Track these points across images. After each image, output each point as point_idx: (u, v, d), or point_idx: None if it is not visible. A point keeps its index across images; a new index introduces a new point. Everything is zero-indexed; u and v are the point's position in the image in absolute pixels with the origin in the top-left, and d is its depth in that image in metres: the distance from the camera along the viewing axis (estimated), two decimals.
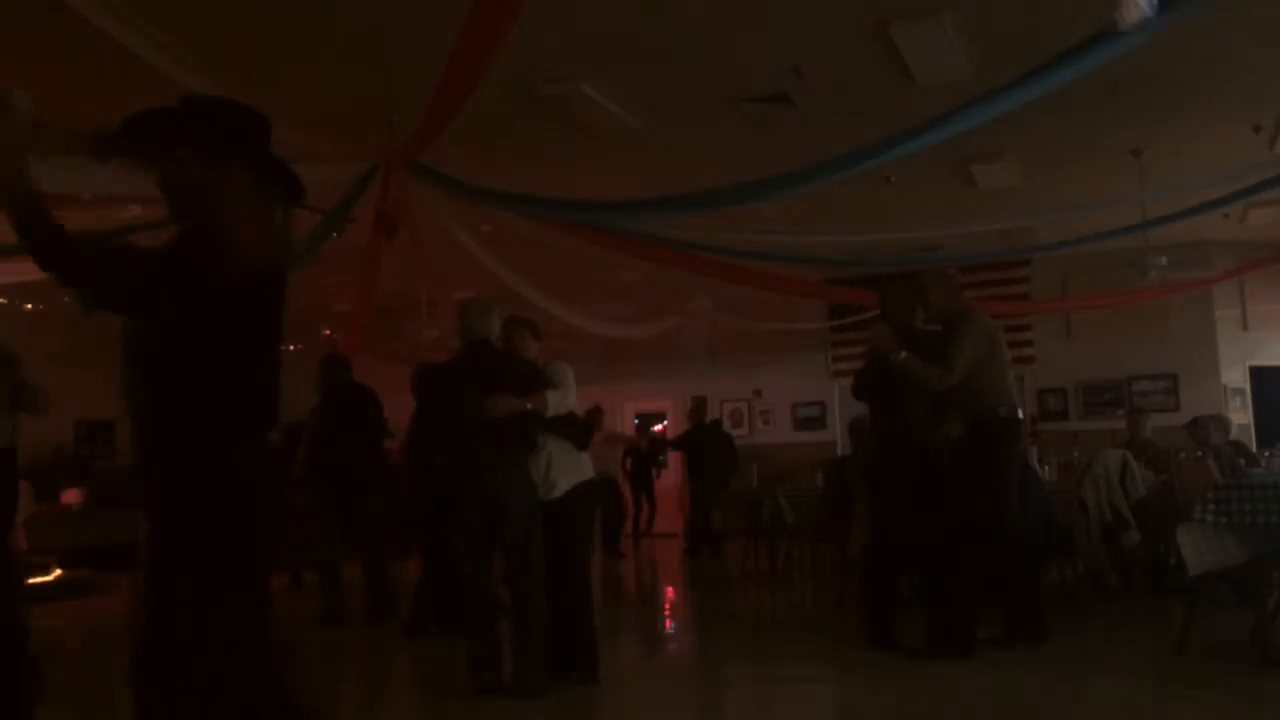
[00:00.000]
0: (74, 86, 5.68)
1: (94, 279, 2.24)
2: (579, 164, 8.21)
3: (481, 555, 4.71)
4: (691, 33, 6.05)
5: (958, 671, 4.77)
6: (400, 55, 6.02)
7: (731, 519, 10.31)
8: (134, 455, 2.34)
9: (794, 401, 14.17)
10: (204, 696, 2.26)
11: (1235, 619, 5.36)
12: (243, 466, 2.36)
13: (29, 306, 10.01)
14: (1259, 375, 12.35)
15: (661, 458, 12.98)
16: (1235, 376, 12.30)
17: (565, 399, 4.85)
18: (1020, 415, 5.46)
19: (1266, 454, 8.88)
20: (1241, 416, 11.81)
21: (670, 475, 13.35)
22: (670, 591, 9.37)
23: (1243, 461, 7.60)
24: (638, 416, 15.19)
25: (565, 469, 4.81)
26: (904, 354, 5.09)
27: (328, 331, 11.46)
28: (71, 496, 11.39)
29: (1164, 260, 9.13)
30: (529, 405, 4.65)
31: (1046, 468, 7.32)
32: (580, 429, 4.96)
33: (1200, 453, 7.04)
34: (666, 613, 8.03)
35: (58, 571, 9.17)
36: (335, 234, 7.42)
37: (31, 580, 8.11)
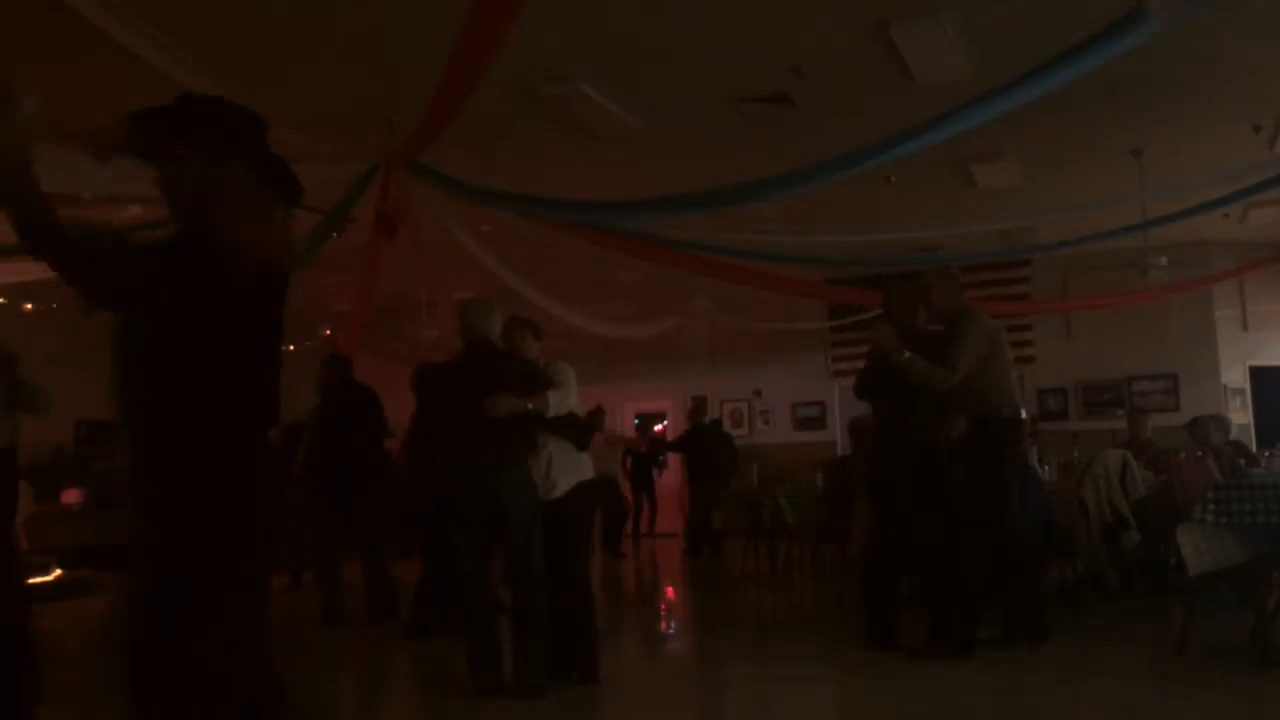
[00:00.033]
0: (74, 86, 5.68)
1: (95, 277, 2.24)
2: (579, 164, 8.21)
3: (482, 555, 4.71)
4: (691, 33, 6.05)
5: (958, 671, 4.77)
6: (400, 55, 6.02)
7: (731, 519, 10.32)
8: (130, 454, 2.33)
9: (794, 401, 14.17)
10: (204, 698, 2.25)
11: (1235, 619, 5.36)
12: (243, 465, 2.36)
13: (29, 306, 10.01)
14: (1259, 375, 12.35)
15: (661, 458, 12.97)
16: (1235, 376, 12.30)
17: (566, 399, 4.85)
18: (1023, 415, 5.46)
19: (1266, 454, 8.88)
20: (1241, 416, 11.81)
21: (670, 475, 13.36)
22: (670, 591, 9.37)
23: (1243, 461, 7.60)
24: (638, 416, 15.19)
25: (565, 469, 4.81)
26: (907, 354, 5.09)
27: (328, 331, 11.47)
28: (71, 496, 11.38)
29: (1164, 260, 9.14)
30: (530, 405, 4.65)
31: (1046, 468, 7.32)
32: (581, 429, 4.96)
33: (1200, 453, 7.04)
34: (666, 613, 8.03)
35: (58, 571, 9.17)
36: (335, 234, 7.42)
37: (31, 580, 8.11)
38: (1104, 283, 11.25)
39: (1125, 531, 6.43)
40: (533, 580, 4.60)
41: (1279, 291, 12.18)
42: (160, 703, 2.23)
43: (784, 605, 7.99)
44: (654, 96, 7.00)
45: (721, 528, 11.06)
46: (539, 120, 7.30)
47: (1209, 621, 5.30)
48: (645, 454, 12.99)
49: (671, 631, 7.10)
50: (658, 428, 14.85)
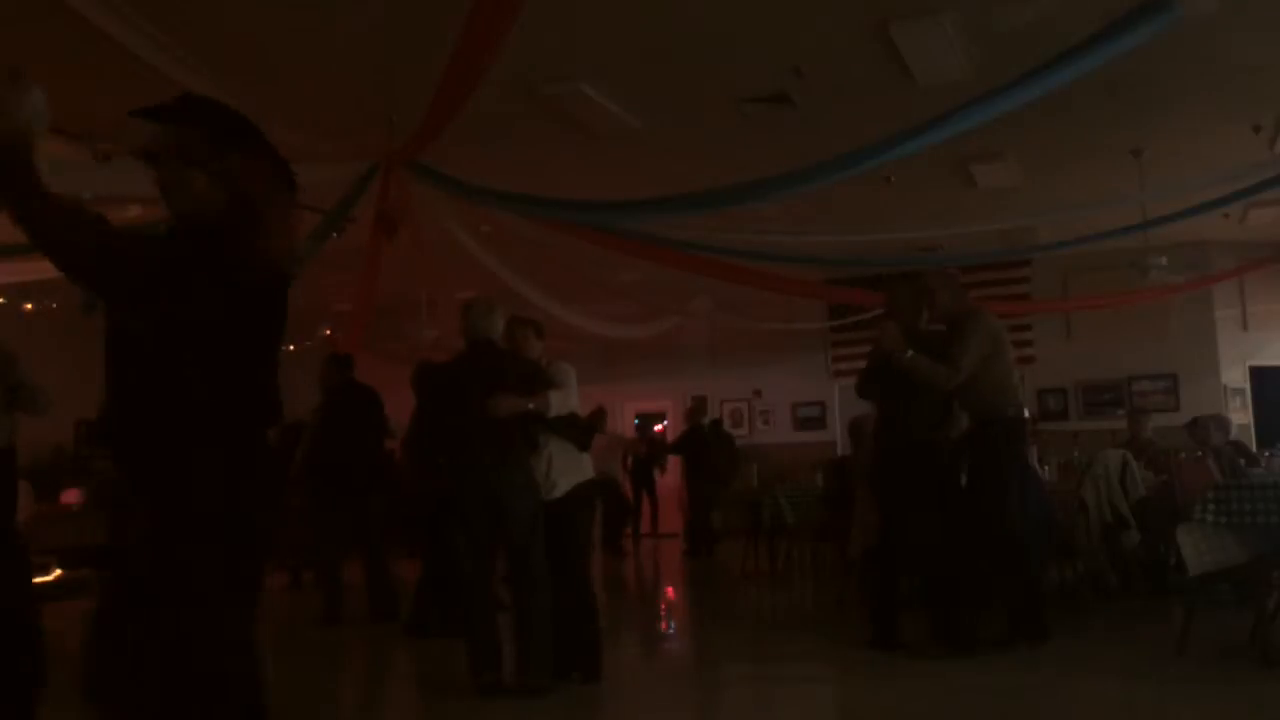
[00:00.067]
0: (74, 87, 5.68)
1: (96, 267, 2.24)
2: (579, 164, 8.21)
3: (483, 555, 4.71)
4: (691, 33, 6.05)
5: (958, 671, 4.77)
6: (400, 55, 6.02)
7: (731, 519, 10.32)
8: (125, 455, 2.32)
9: (794, 401, 14.17)
10: (202, 699, 2.25)
11: (1235, 619, 5.36)
12: (242, 466, 2.36)
13: (29, 306, 10.02)
14: (1259, 375, 12.35)
15: (661, 460, 12.97)
16: (1235, 376, 12.30)
17: (567, 399, 4.85)
18: (1026, 415, 5.47)
19: (1266, 454, 8.88)
20: (1241, 416, 11.81)
21: (671, 475, 13.37)
22: (670, 591, 9.37)
23: (1243, 461, 7.60)
24: (638, 416, 15.19)
25: (566, 469, 4.82)
26: (910, 352, 5.09)
27: (328, 331, 11.47)
28: (71, 496, 11.37)
29: (1164, 260, 9.14)
30: (531, 405, 4.65)
31: (1046, 468, 7.32)
32: (582, 429, 4.96)
33: (1200, 453, 7.04)
34: (666, 612, 8.04)
35: (58, 571, 9.16)
36: (335, 234, 7.43)
37: (32, 580, 8.09)
38: (1104, 283, 11.25)
39: (1125, 531, 6.43)
40: (535, 580, 4.60)
41: (1279, 291, 12.18)
42: (159, 704, 2.22)
43: (784, 605, 7.99)
44: (654, 96, 7.00)
45: (721, 528, 11.06)
46: (539, 120, 7.30)
47: (1209, 621, 5.29)
48: (645, 457, 13.00)
49: (672, 631, 7.10)
50: (658, 428, 14.85)
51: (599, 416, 10.82)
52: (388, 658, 6.22)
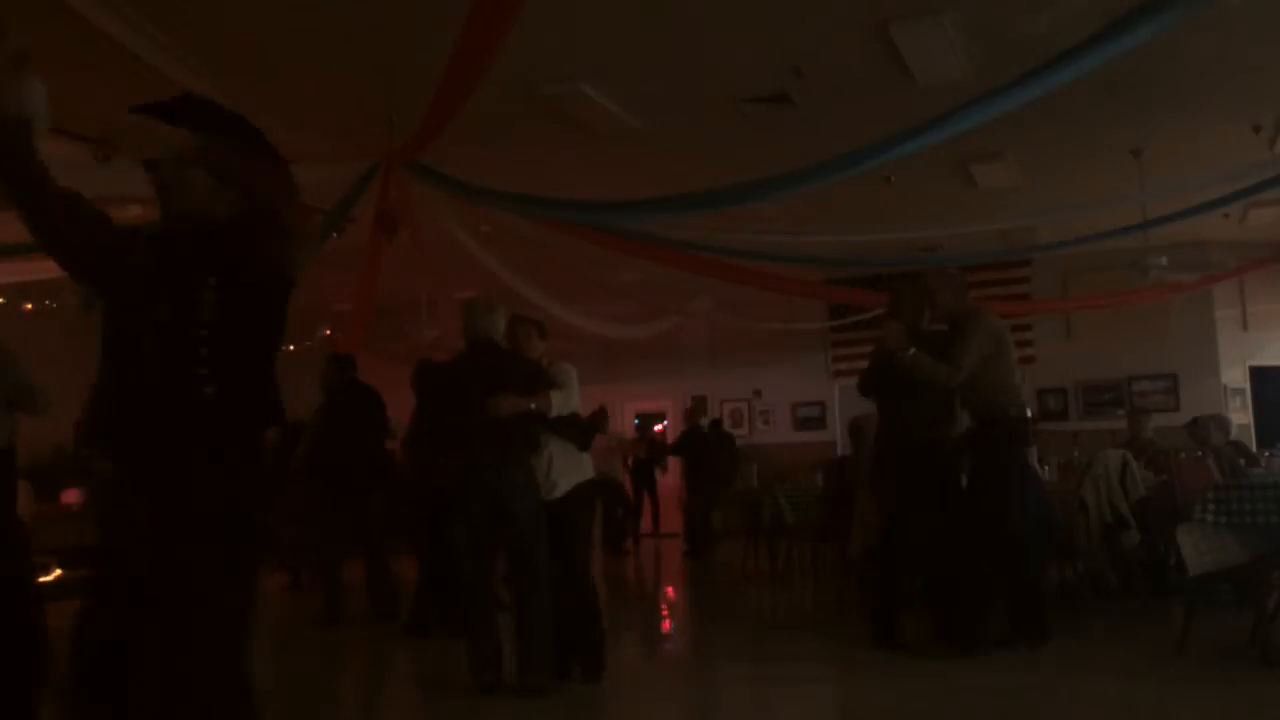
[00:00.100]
0: (74, 87, 5.68)
1: (91, 265, 2.24)
2: (579, 164, 8.21)
3: (484, 555, 4.71)
4: (691, 33, 6.05)
5: (958, 671, 4.77)
6: (400, 55, 6.02)
7: (731, 519, 10.32)
8: (127, 453, 2.31)
9: (794, 401, 14.17)
10: (203, 699, 2.25)
11: (1235, 619, 5.36)
12: (244, 466, 2.36)
13: (29, 306, 10.01)
14: (1259, 375, 12.35)
15: (662, 460, 12.98)
16: (1235, 376, 12.30)
17: (568, 400, 4.85)
18: (1029, 414, 5.47)
19: (1266, 454, 8.88)
20: (1241, 416, 11.81)
21: (671, 475, 13.37)
22: (670, 591, 9.37)
23: (1243, 461, 7.60)
24: (638, 416, 15.19)
25: (566, 469, 4.81)
26: (912, 350, 5.10)
27: (327, 331, 11.47)
28: (71, 496, 11.37)
29: (1164, 260, 9.14)
30: (532, 405, 4.65)
31: (1046, 468, 7.32)
32: (582, 430, 4.96)
33: (1200, 453, 7.04)
34: (666, 612, 8.04)
35: (58, 571, 9.16)
36: (335, 234, 7.43)
37: (34, 580, 8.09)
38: (1104, 283, 11.25)
39: (1125, 531, 6.43)
40: (535, 580, 4.60)
41: (1279, 291, 12.18)
42: (158, 704, 2.22)
43: (784, 605, 7.99)
44: (654, 96, 7.00)
45: (721, 528, 11.06)
46: (539, 120, 7.30)
47: (1209, 621, 5.29)
48: (645, 458, 13.01)
49: (672, 631, 7.10)
50: (658, 428, 14.85)
51: (601, 417, 10.82)
52: (388, 658, 6.22)
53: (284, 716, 4.76)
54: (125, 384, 2.28)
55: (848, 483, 7.08)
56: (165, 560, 2.23)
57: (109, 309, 2.31)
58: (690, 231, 7.93)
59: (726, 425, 13.32)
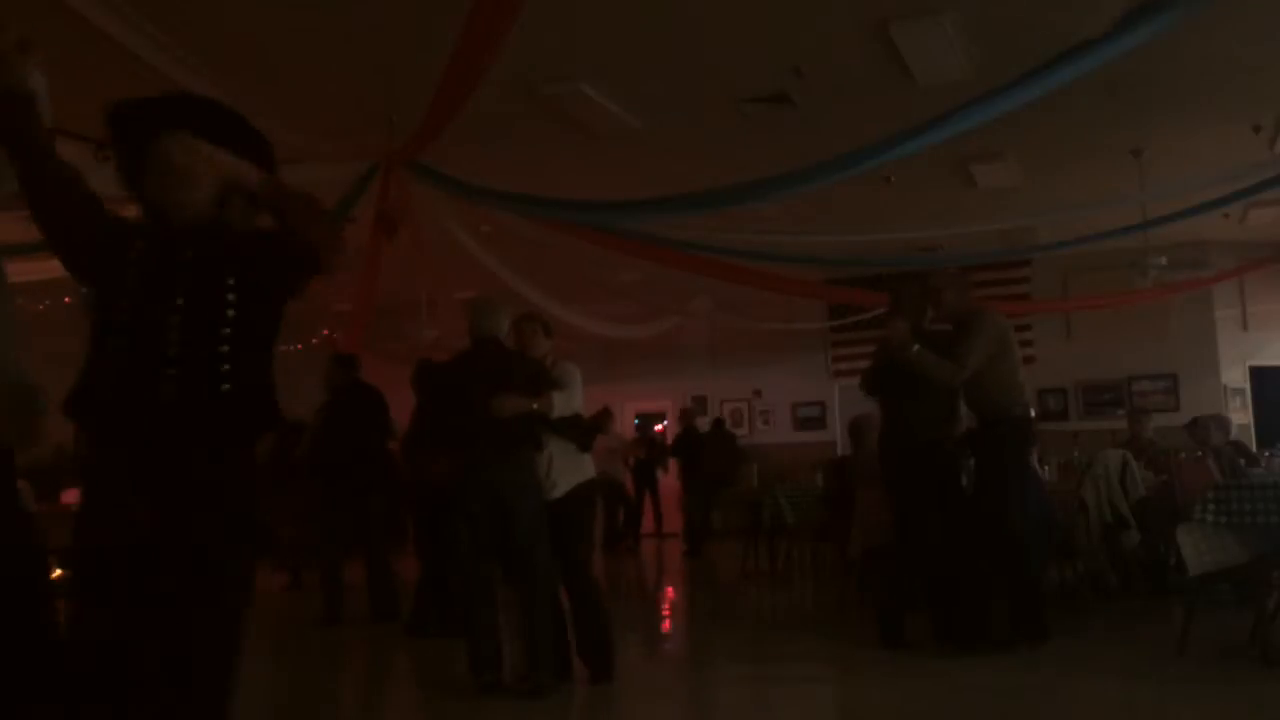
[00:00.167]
0: (74, 87, 5.68)
1: (79, 246, 2.24)
2: (579, 164, 8.21)
3: (485, 554, 4.70)
4: (691, 33, 6.05)
5: (958, 671, 4.77)
6: (400, 55, 6.02)
7: (731, 519, 10.32)
8: (119, 443, 2.29)
9: (794, 401, 14.17)
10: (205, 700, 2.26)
11: (1235, 619, 5.36)
12: (244, 466, 2.36)
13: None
14: (1259, 375, 12.35)
15: (663, 460, 12.99)
16: (1235, 376, 12.31)
17: (571, 401, 4.84)
18: (1033, 414, 5.48)
19: (1266, 454, 8.88)
20: (1241, 416, 11.81)
21: (671, 476, 13.38)
22: (670, 591, 9.37)
23: (1243, 461, 7.60)
24: (638, 416, 15.19)
25: (566, 469, 4.81)
26: (916, 347, 5.10)
27: (327, 331, 11.47)
28: (71, 496, 11.37)
29: (1164, 260, 9.14)
30: (535, 406, 4.64)
31: (1046, 468, 7.32)
32: (584, 431, 4.95)
33: (1200, 453, 7.04)
34: (667, 613, 8.04)
35: (58, 571, 9.15)
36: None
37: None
38: (1104, 283, 11.25)
39: (1125, 531, 6.43)
40: (537, 580, 4.60)
41: (1279, 291, 12.19)
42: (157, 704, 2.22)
43: (784, 605, 7.99)
44: (654, 96, 7.00)
45: (722, 528, 11.06)
46: (539, 120, 7.30)
47: (1209, 621, 5.29)
48: (646, 459, 13.02)
49: (672, 631, 7.10)
50: (658, 427, 14.86)
51: (604, 417, 10.83)
52: (388, 658, 6.22)
53: (284, 716, 4.76)
54: (134, 375, 2.25)
55: (848, 483, 7.08)
56: (169, 560, 2.23)
57: (108, 296, 2.28)
58: (690, 231, 7.93)
59: (727, 425, 13.32)
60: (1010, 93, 4.28)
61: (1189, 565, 4.73)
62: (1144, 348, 12.24)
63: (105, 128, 2.38)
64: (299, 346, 11.75)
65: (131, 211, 2.40)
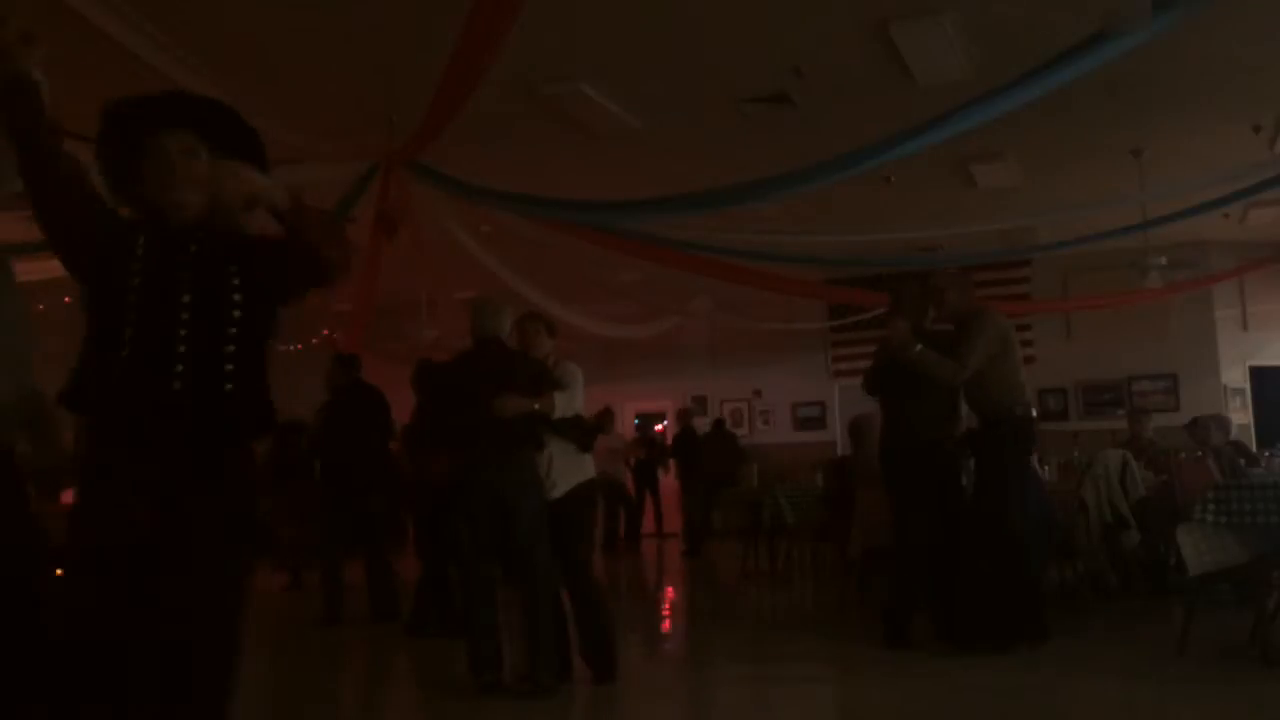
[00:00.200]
0: (74, 87, 5.68)
1: (76, 241, 2.24)
2: (579, 164, 8.21)
3: (486, 554, 4.69)
4: (691, 33, 6.06)
5: (958, 670, 4.77)
6: (400, 55, 6.02)
7: (731, 519, 10.31)
8: (120, 441, 2.29)
9: (794, 401, 14.17)
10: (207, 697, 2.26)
11: (1235, 619, 5.36)
12: (244, 466, 2.36)
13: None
14: (1259, 375, 12.36)
15: (663, 460, 13.00)
16: (1235, 376, 12.31)
17: (572, 401, 4.83)
18: (1035, 414, 5.47)
19: (1266, 454, 8.88)
20: (1241, 416, 11.81)
21: (671, 475, 13.39)
22: (670, 591, 9.37)
23: (1243, 461, 7.60)
24: (638, 416, 15.20)
25: (565, 470, 4.80)
26: (919, 347, 5.10)
27: (327, 331, 11.48)
28: (71, 496, 11.37)
29: (1164, 260, 9.14)
30: (536, 406, 4.64)
31: (1046, 468, 7.32)
32: (585, 431, 4.95)
33: (1200, 453, 7.04)
34: (667, 613, 8.04)
35: (58, 571, 9.16)
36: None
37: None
38: (1104, 283, 11.25)
39: (1125, 531, 6.43)
40: (538, 580, 4.60)
41: (1279, 291, 12.19)
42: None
43: (784, 605, 7.99)
44: (654, 96, 7.00)
45: (722, 528, 11.06)
46: (539, 120, 7.30)
47: (1209, 621, 5.29)
48: (647, 459, 13.03)
49: (671, 631, 7.10)
50: (658, 427, 14.86)
51: (606, 418, 10.83)
52: (388, 658, 6.22)
53: (284, 717, 4.76)
54: (141, 373, 2.23)
55: (848, 483, 7.08)
56: (168, 559, 2.23)
57: (110, 293, 2.27)
58: (690, 231, 7.93)
59: (727, 425, 13.32)
60: (1010, 93, 4.29)
61: (1189, 565, 4.73)
62: (1144, 348, 12.24)
63: (100, 125, 2.37)
64: (299, 346, 11.76)
65: (124, 212, 2.40)
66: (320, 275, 2.39)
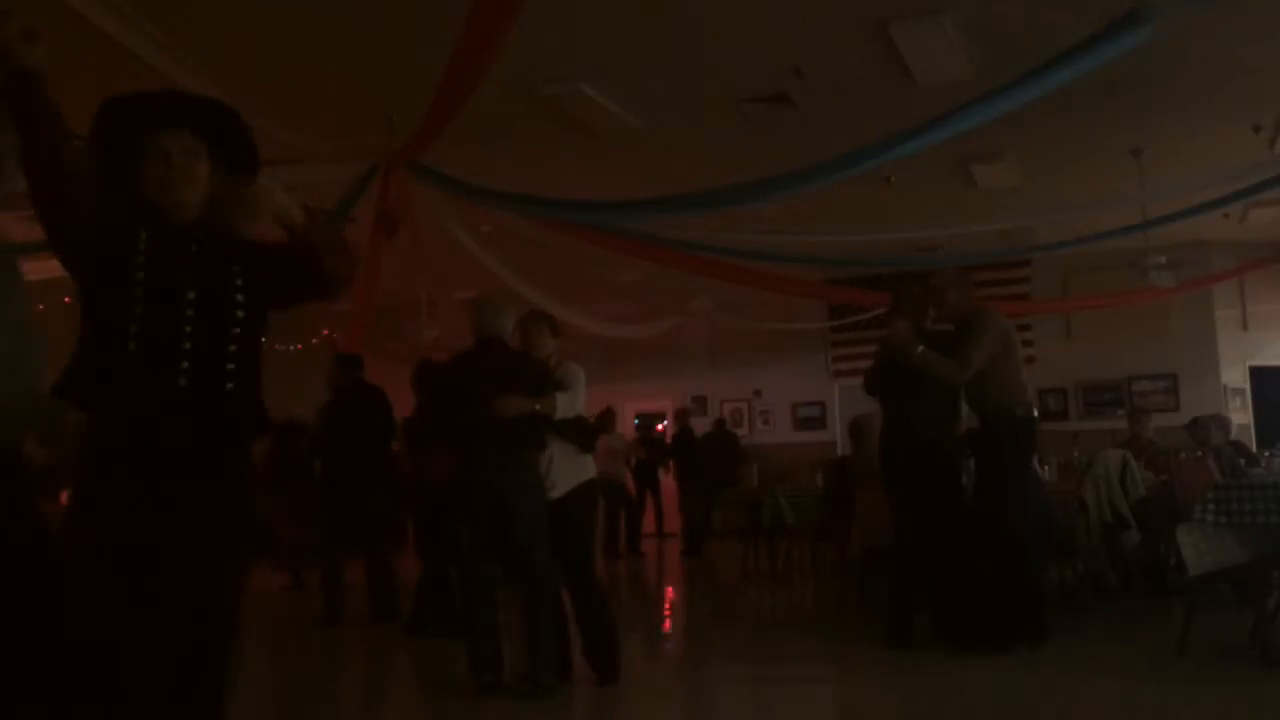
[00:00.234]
0: (74, 87, 5.68)
1: (75, 234, 2.24)
2: (579, 164, 8.21)
3: (487, 554, 4.69)
4: (691, 33, 6.06)
5: (958, 670, 4.77)
6: (400, 55, 6.02)
7: (731, 519, 10.32)
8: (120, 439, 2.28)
9: (794, 401, 14.17)
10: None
11: (1235, 619, 5.36)
12: (244, 466, 2.36)
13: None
14: (1259, 375, 12.36)
15: (664, 460, 13.01)
16: (1235, 376, 12.31)
17: (574, 402, 4.83)
18: (1035, 414, 5.47)
19: (1266, 454, 8.88)
20: (1241, 416, 11.81)
21: (671, 475, 13.39)
22: (670, 591, 9.37)
23: (1243, 461, 7.60)
24: (638, 416, 15.19)
25: (566, 470, 4.80)
26: (921, 348, 5.10)
27: (327, 331, 11.48)
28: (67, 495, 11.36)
29: (1164, 260, 9.14)
30: (537, 407, 4.63)
31: (1046, 468, 7.32)
32: (585, 432, 4.94)
33: (1200, 453, 7.04)
34: (667, 613, 8.04)
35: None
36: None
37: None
38: (1104, 283, 11.25)
39: (1125, 531, 6.43)
40: (539, 580, 4.59)
41: (1279, 291, 12.19)
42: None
43: (784, 605, 7.99)
44: (654, 96, 7.00)
45: (722, 528, 11.06)
46: (539, 120, 7.30)
47: (1209, 621, 5.29)
48: (647, 460, 13.03)
49: (672, 632, 7.10)
50: (659, 427, 14.87)
51: (608, 418, 10.82)
52: (388, 658, 6.22)
53: (284, 717, 4.76)
54: (145, 371, 2.22)
55: (848, 483, 7.08)
56: (167, 559, 2.22)
57: (111, 290, 2.26)
58: (690, 231, 7.93)
59: (727, 425, 13.33)
60: (1010, 93, 4.29)
61: (1189, 565, 4.73)
62: (1144, 348, 12.24)
63: (98, 123, 2.37)
64: (299, 346, 11.77)
65: None
66: (322, 287, 2.40)
